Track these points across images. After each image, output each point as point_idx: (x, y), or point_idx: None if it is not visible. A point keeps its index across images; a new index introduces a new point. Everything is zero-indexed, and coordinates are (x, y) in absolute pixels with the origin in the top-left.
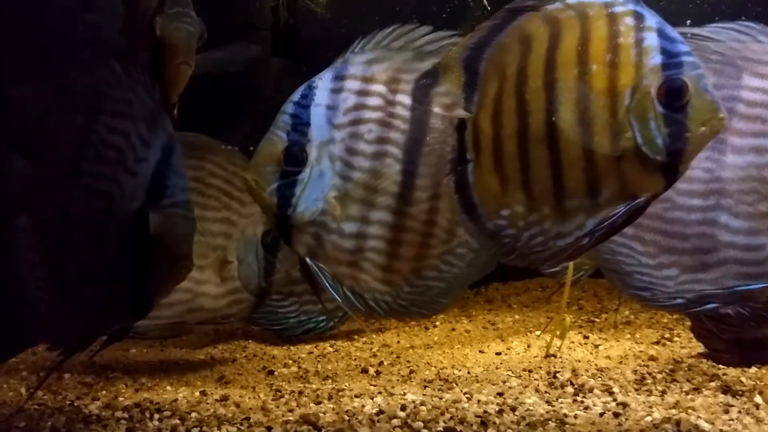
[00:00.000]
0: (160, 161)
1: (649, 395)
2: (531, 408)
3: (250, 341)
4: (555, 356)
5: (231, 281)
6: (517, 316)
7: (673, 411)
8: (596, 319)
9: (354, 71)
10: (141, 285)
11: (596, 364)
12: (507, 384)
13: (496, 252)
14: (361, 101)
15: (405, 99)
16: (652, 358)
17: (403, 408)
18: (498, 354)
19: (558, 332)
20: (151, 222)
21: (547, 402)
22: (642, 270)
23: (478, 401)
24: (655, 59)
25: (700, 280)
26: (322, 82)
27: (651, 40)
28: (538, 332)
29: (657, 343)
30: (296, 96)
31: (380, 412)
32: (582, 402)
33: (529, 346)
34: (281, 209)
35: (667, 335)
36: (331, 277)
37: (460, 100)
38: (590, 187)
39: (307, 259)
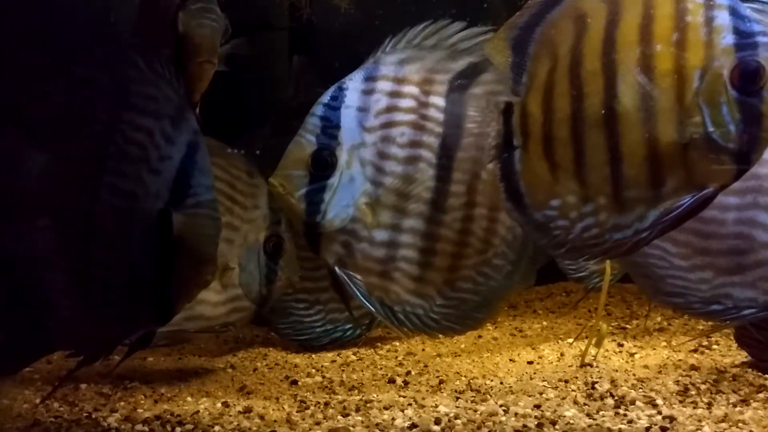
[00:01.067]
0: (184, 159)
1: (695, 408)
2: (572, 422)
3: (271, 349)
4: (591, 365)
5: (232, 288)
6: (544, 323)
7: (724, 425)
8: (627, 326)
9: (385, 72)
10: (164, 289)
11: (635, 374)
12: (544, 395)
13: (545, 245)
14: (393, 103)
15: (439, 101)
16: (693, 368)
17: (437, 421)
18: (530, 363)
19: (593, 340)
20: (175, 223)
21: (588, 415)
22: (674, 273)
23: (516, 414)
24: (727, 39)
25: (736, 284)
26: (353, 83)
27: (722, 18)
28: (570, 340)
29: (695, 351)
30: (326, 98)
31: (413, 425)
32: (625, 415)
33: (562, 355)
34: (310, 216)
35: (705, 342)
36: (364, 287)
37: (506, 82)
38: (653, 177)
39: (337, 269)
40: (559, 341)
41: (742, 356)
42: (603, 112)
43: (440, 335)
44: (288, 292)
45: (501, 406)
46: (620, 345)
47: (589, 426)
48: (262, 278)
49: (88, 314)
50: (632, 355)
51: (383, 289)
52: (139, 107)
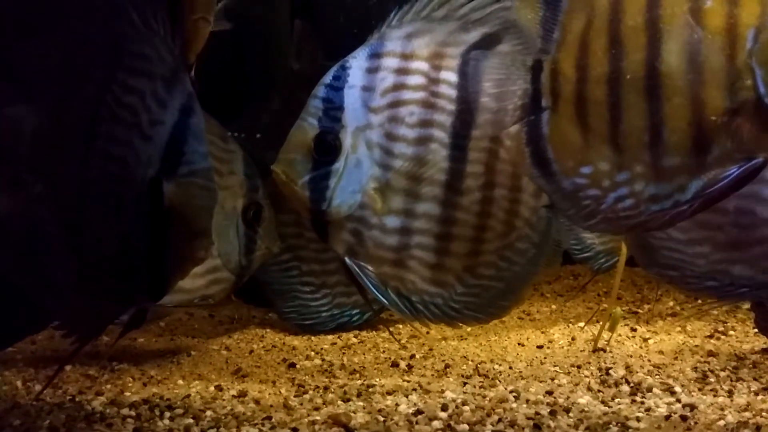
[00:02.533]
0: (177, 123)
1: (715, 395)
2: (586, 409)
3: (268, 330)
4: (604, 350)
5: (209, 259)
6: (553, 306)
7: (747, 414)
8: (639, 310)
9: (392, 47)
10: (156, 263)
11: (650, 360)
12: (556, 381)
13: (574, 216)
14: (400, 81)
15: (451, 76)
16: (711, 354)
17: (444, 408)
18: (540, 347)
19: (606, 324)
20: (166, 192)
21: (603, 402)
22: (671, 245)
23: (527, 401)
24: None
25: (735, 260)
26: (357, 62)
27: None
28: (581, 324)
29: (711, 336)
30: (328, 78)
31: (418, 412)
32: (642, 402)
33: (573, 339)
34: (315, 204)
35: (720, 328)
36: (375, 277)
37: (536, 37)
38: (697, 144)
39: (347, 259)
40: (570, 325)
41: (761, 342)
42: (645, 71)
43: (462, 325)
44: (293, 274)
45: (511, 392)
46: (633, 330)
47: (605, 414)
48: (242, 248)
49: (80, 286)
50: (646, 340)
51: (399, 279)
52: (132, 67)
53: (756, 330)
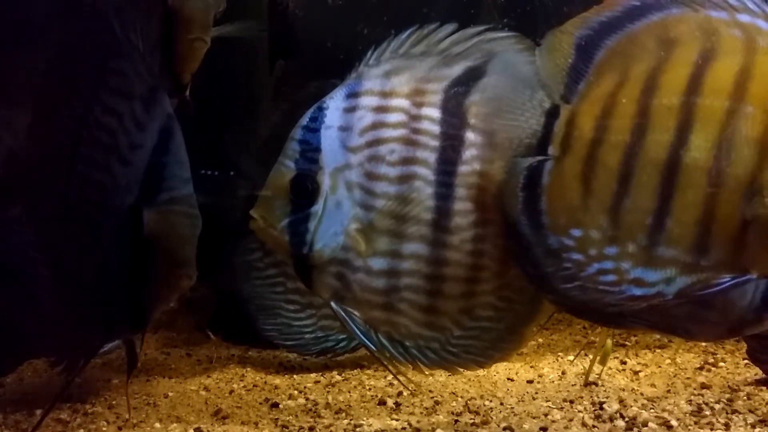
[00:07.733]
0: (156, 147)
1: (712, 429)
2: None
3: (249, 369)
4: (596, 384)
5: None
6: (540, 340)
7: None
8: (627, 342)
9: (370, 86)
10: (136, 293)
11: (643, 393)
12: (549, 417)
13: (551, 274)
14: (379, 119)
15: (433, 112)
16: (704, 386)
17: None
18: (530, 382)
19: (597, 357)
20: (146, 221)
21: None
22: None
23: None
24: None
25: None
26: (334, 102)
27: None
28: (570, 357)
29: (701, 368)
30: (305, 120)
31: None
32: None
33: (563, 373)
34: (296, 248)
35: (710, 360)
36: (362, 323)
37: (561, 82)
38: (697, 242)
39: (333, 304)
40: (559, 358)
41: (753, 373)
42: (667, 155)
43: (462, 370)
44: (278, 290)
45: (504, 429)
46: (623, 362)
47: None
48: None
49: (62, 314)
50: (636, 373)
51: (390, 323)
52: (113, 86)
53: (747, 360)
